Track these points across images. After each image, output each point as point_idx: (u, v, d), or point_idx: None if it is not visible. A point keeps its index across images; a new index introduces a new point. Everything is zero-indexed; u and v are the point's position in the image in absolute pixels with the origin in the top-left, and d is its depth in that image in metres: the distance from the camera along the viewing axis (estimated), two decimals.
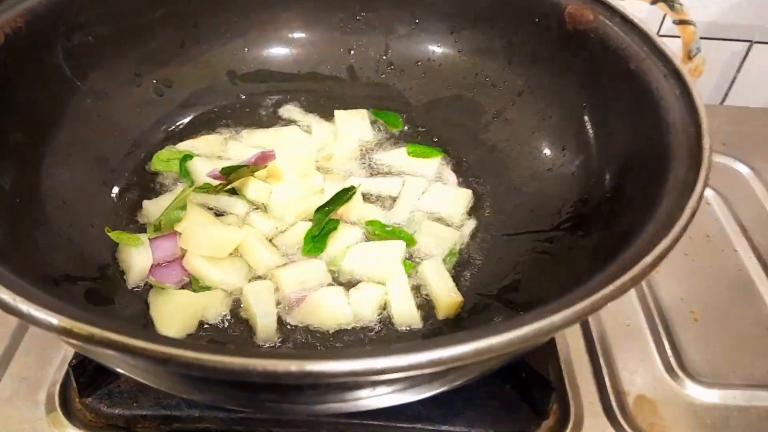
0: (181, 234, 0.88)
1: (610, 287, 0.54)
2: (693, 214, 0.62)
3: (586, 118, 0.94)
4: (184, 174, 0.99)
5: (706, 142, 0.71)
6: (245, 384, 0.57)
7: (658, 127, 0.77)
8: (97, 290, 0.83)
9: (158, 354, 0.47)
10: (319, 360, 0.46)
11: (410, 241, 0.92)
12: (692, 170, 0.68)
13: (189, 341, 0.51)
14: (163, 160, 1.01)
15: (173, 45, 1.08)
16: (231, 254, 0.88)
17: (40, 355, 0.89)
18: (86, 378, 0.82)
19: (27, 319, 0.50)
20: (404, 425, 0.81)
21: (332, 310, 0.83)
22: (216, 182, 0.94)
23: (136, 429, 0.82)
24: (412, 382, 0.61)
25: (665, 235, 0.59)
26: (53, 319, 0.48)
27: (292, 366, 0.46)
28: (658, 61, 0.83)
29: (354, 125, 1.09)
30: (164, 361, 0.47)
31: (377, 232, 0.93)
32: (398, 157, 1.05)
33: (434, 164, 1.04)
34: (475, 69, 1.10)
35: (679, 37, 0.84)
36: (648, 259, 0.57)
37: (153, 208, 0.94)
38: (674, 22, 0.84)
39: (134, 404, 0.83)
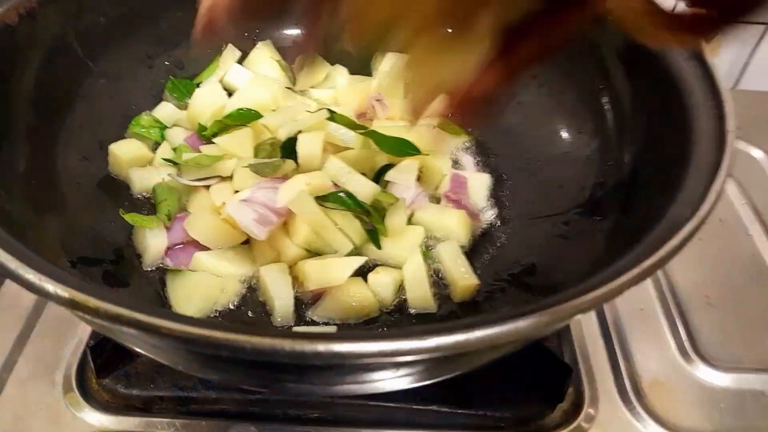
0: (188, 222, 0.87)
1: (636, 270, 0.54)
2: (719, 197, 0.61)
3: (603, 100, 0.93)
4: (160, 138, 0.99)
5: (730, 124, 0.70)
6: (266, 364, 0.57)
7: (680, 109, 0.76)
8: (113, 273, 0.83)
9: (185, 334, 0.47)
10: (347, 341, 0.45)
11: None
12: (716, 152, 0.67)
13: (213, 321, 0.51)
14: (144, 126, 0.99)
15: (185, 26, 1.06)
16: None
17: (56, 336, 0.89)
18: (103, 359, 0.82)
19: (55, 300, 0.50)
20: (420, 407, 0.81)
21: (359, 302, 0.82)
22: (193, 150, 0.93)
23: (153, 410, 0.82)
24: (433, 364, 0.61)
25: (691, 217, 0.58)
26: (82, 298, 0.48)
27: (320, 346, 0.46)
28: None
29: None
30: (191, 341, 0.47)
31: None
32: None
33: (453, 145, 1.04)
34: None
35: None
36: (674, 242, 0.57)
37: (118, 152, 0.93)
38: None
39: (151, 385, 0.83)
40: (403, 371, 0.59)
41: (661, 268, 0.55)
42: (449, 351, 0.47)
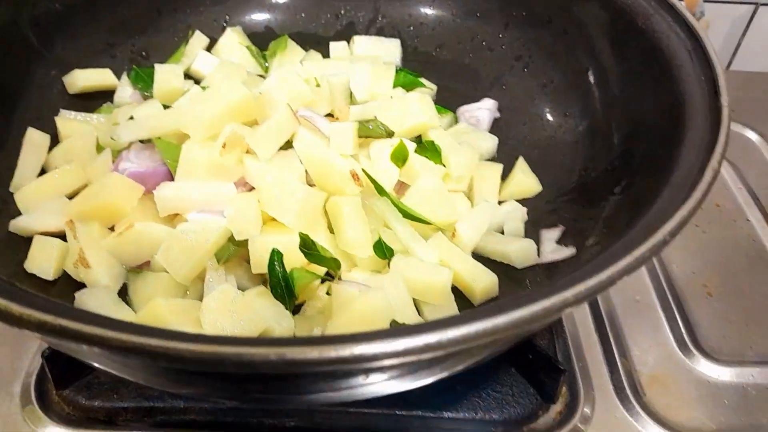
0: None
1: (627, 259, 0.49)
2: (715, 177, 0.56)
3: (590, 81, 0.88)
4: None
5: (724, 98, 0.65)
6: (226, 375, 0.52)
7: (671, 86, 0.72)
8: None
9: (121, 343, 0.42)
10: (299, 346, 0.40)
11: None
12: (710, 130, 0.62)
13: (153, 328, 0.46)
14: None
15: (149, 13, 1.01)
16: None
17: (13, 344, 0.83)
18: (62, 369, 0.77)
19: None
20: (403, 413, 0.76)
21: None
22: None
23: (118, 422, 0.77)
24: (408, 369, 0.55)
25: (686, 200, 0.53)
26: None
27: (271, 354, 0.40)
28: (667, 15, 0.77)
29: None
30: (127, 351, 0.41)
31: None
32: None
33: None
34: (470, 33, 1.04)
35: (682, 0, 0.79)
36: (668, 227, 0.51)
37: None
38: None
39: (115, 396, 0.77)
40: (375, 377, 0.54)
41: (655, 255, 0.50)
42: (418, 354, 0.42)
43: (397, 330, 0.43)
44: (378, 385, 0.59)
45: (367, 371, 0.50)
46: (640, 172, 0.71)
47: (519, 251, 0.79)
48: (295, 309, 0.74)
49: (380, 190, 0.78)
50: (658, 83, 0.74)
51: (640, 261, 0.48)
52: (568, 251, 0.78)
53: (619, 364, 0.84)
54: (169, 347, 0.40)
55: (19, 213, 0.79)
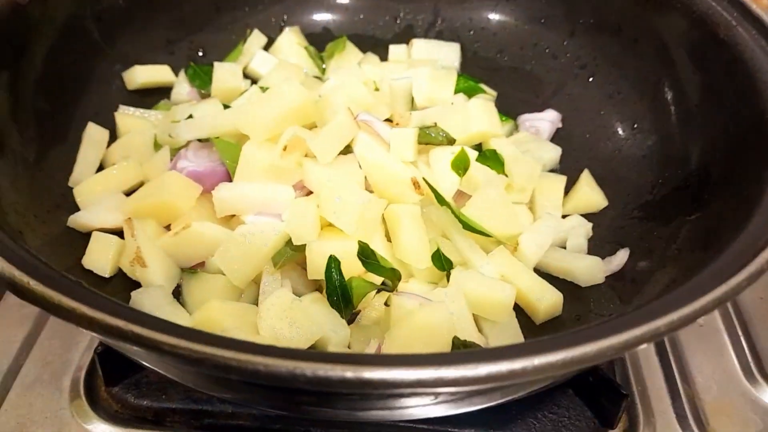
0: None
1: (723, 288, 0.45)
2: None
3: (663, 92, 0.84)
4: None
5: None
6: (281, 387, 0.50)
7: (755, 100, 0.68)
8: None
9: (186, 352, 0.40)
10: (380, 367, 0.38)
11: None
12: None
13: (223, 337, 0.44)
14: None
15: (208, 10, 1.00)
16: None
17: (66, 338, 0.83)
18: (113, 366, 0.76)
19: (42, 306, 0.43)
20: (455, 430, 0.73)
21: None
22: None
23: (165, 422, 0.76)
24: (465, 394, 0.53)
25: None
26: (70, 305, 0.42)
27: (348, 373, 0.38)
28: (751, 28, 0.74)
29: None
30: (195, 361, 0.40)
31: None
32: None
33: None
34: (533, 39, 1.01)
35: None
36: (760, 261, 0.48)
37: None
38: None
39: (163, 396, 0.76)
40: (436, 399, 0.52)
41: (753, 283, 0.46)
42: (485, 383, 0.39)
43: (469, 354, 0.40)
44: (434, 406, 0.57)
45: (420, 394, 0.48)
46: (719, 193, 0.68)
47: (585, 269, 0.76)
48: (350, 318, 0.72)
49: (441, 200, 0.76)
50: (740, 98, 0.71)
51: (736, 290, 0.45)
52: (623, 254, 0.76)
53: (681, 390, 0.80)
54: (222, 356, 0.39)
55: (76, 208, 0.79)
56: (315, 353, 0.42)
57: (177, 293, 0.75)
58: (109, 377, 0.77)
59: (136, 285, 0.74)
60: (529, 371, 0.39)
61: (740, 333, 0.87)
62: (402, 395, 0.48)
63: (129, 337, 0.41)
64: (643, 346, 0.43)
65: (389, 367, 0.37)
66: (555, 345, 0.40)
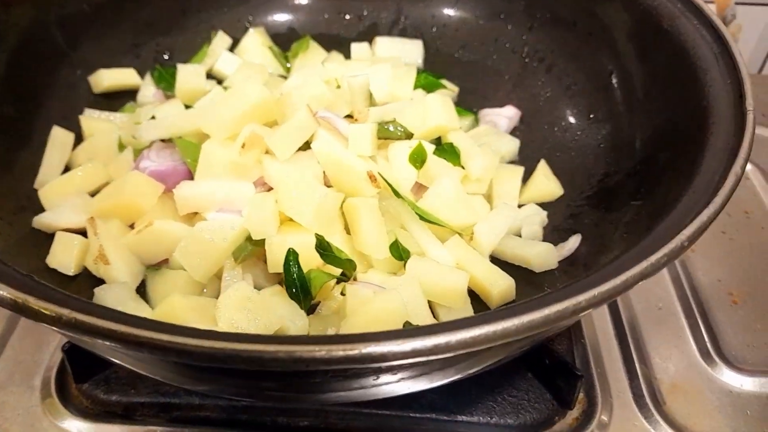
0: None
1: (643, 264, 0.48)
2: (737, 182, 0.55)
3: (614, 83, 0.87)
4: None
5: (749, 103, 0.64)
6: (240, 372, 0.52)
7: (696, 89, 0.70)
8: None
9: (135, 338, 0.42)
10: (309, 345, 0.40)
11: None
12: (735, 134, 0.61)
13: (164, 323, 0.46)
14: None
15: (173, 13, 1.02)
16: None
17: (36, 338, 0.85)
18: (81, 363, 0.78)
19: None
20: (417, 415, 0.75)
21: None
22: None
23: (135, 417, 0.77)
24: (420, 370, 0.55)
25: (706, 205, 0.52)
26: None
27: (281, 352, 0.40)
28: (693, 18, 0.76)
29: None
30: (138, 346, 0.42)
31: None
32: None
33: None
34: (494, 34, 1.03)
35: (713, 2, 0.77)
36: (687, 232, 0.50)
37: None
38: None
39: (132, 391, 0.78)
40: (386, 378, 0.54)
41: (672, 260, 0.49)
42: (429, 355, 0.42)
43: (406, 331, 0.43)
44: (390, 385, 0.59)
45: (378, 371, 0.50)
46: (663, 177, 0.70)
47: (539, 255, 0.78)
48: (311, 309, 0.74)
49: (396, 193, 0.78)
50: (682, 87, 0.73)
51: (656, 266, 0.47)
52: (574, 239, 0.78)
53: (638, 371, 0.82)
54: (178, 342, 0.41)
55: (42, 209, 0.81)
56: (253, 336, 0.43)
57: (143, 290, 0.77)
58: (79, 374, 0.78)
59: (101, 282, 0.75)
60: (458, 344, 0.41)
61: (698, 315, 0.89)
62: (342, 373, 0.50)
63: (86, 329, 0.43)
64: (567, 322, 0.45)
65: (314, 345, 0.39)
66: (477, 321, 0.42)
